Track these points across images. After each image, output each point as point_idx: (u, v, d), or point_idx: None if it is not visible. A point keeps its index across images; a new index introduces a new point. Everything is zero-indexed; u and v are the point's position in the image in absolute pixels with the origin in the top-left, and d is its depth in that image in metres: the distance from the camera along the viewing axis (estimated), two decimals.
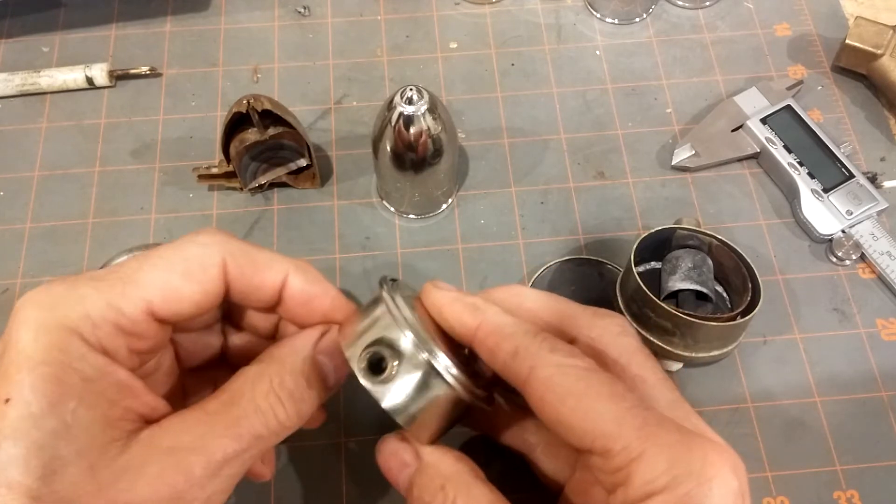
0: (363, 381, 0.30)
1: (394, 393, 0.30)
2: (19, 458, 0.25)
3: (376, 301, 0.32)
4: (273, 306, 0.33)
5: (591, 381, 0.28)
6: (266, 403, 0.29)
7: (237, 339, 0.37)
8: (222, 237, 0.32)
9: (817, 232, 0.51)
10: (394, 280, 0.33)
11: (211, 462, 0.27)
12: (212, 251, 0.31)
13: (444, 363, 0.30)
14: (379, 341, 0.30)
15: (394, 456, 0.32)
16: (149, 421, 0.28)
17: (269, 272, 0.32)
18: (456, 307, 0.31)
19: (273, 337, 0.36)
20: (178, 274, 0.30)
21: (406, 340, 0.30)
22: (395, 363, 0.30)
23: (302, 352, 0.32)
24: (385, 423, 0.33)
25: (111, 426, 0.27)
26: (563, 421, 0.28)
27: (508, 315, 0.31)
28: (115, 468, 0.26)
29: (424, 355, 0.30)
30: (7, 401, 0.25)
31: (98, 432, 0.26)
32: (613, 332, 0.32)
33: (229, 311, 0.37)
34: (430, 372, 0.30)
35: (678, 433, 0.27)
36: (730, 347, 0.45)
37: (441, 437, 0.33)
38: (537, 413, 0.29)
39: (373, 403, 0.34)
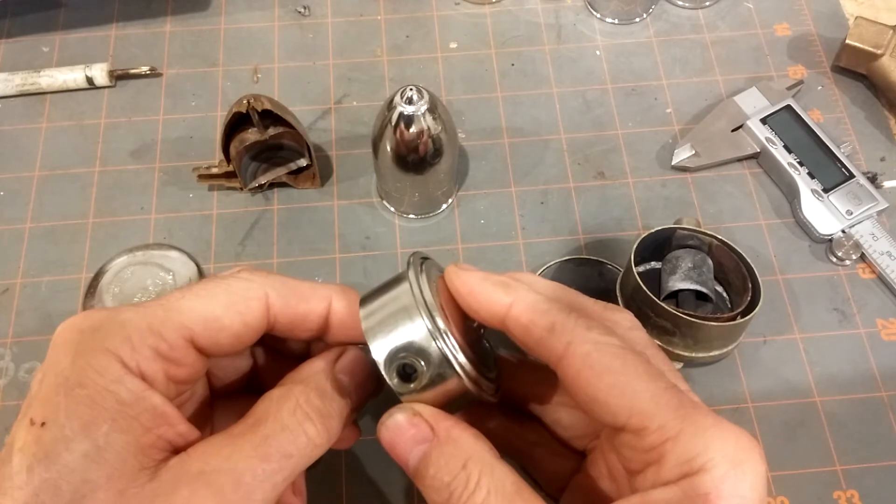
0: (395, 388, 0.30)
1: (417, 392, 0.30)
2: (50, 482, 0.25)
3: (400, 280, 0.31)
4: (320, 335, 0.33)
5: (627, 360, 0.28)
6: (293, 421, 0.29)
7: (268, 362, 0.36)
8: (263, 273, 0.32)
9: (817, 232, 0.51)
10: (424, 259, 0.33)
11: (241, 483, 0.27)
12: (254, 285, 0.31)
13: (467, 368, 0.30)
14: (408, 348, 0.30)
15: (404, 432, 0.30)
16: (178, 449, 0.28)
17: (313, 300, 0.32)
18: (486, 286, 0.31)
19: (305, 357, 0.36)
20: (221, 305, 0.30)
21: (437, 353, 0.29)
22: (425, 370, 0.30)
23: (323, 372, 0.32)
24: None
25: (142, 453, 0.26)
26: (599, 397, 0.28)
27: (539, 292, 0.31)
28: (145, 494, 0.26)
29: (457, 370, 0.29)
30: (43, 424, 0.26)
31: (129, 457, 0.26)
32: (625, 325, 0.33)
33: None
34: (456, 377, 0.30)
35: (712, 416, 0.27)
36: (730, 347, 0.45)
37: None
38: (570, 389, 0.29)
39: (373, 403, 0.33)
